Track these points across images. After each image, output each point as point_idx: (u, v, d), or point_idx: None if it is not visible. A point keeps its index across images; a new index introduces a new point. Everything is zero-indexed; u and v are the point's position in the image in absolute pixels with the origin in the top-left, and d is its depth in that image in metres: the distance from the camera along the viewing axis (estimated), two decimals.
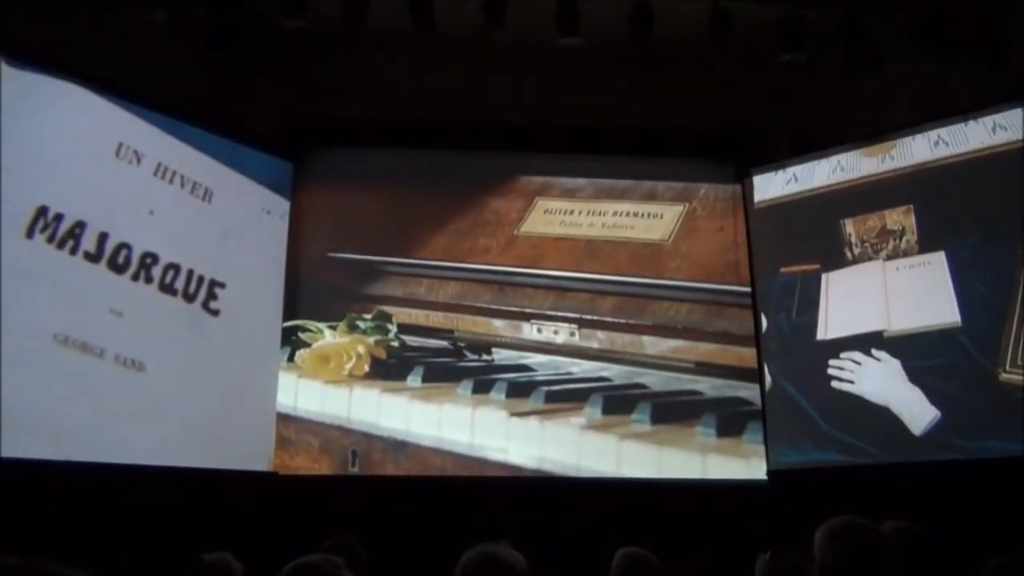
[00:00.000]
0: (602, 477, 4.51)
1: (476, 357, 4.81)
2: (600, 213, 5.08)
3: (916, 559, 2.30)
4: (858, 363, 4.35)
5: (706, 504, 4.41)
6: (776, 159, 4.95)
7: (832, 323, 4.48)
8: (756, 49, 4.38)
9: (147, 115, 4.19)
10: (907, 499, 3.43)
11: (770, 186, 4.90)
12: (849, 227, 4.56)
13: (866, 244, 4.47)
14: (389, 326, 4.79)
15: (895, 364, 4.24)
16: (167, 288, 4.17)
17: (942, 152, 4.31)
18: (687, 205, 5.05)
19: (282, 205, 4.80)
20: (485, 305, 4.86)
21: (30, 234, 3.63)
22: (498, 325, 4.85)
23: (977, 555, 2.37)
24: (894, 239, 4.40)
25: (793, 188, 4.81)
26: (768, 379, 4.68)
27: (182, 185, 4.31)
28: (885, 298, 4.35)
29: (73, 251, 3.78)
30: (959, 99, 4.39)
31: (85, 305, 3.82)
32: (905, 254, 4.37)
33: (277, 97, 4.95)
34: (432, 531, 3.93)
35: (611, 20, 4.31)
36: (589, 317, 4.83)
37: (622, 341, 4.80)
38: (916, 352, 4.20)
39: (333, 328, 4.77)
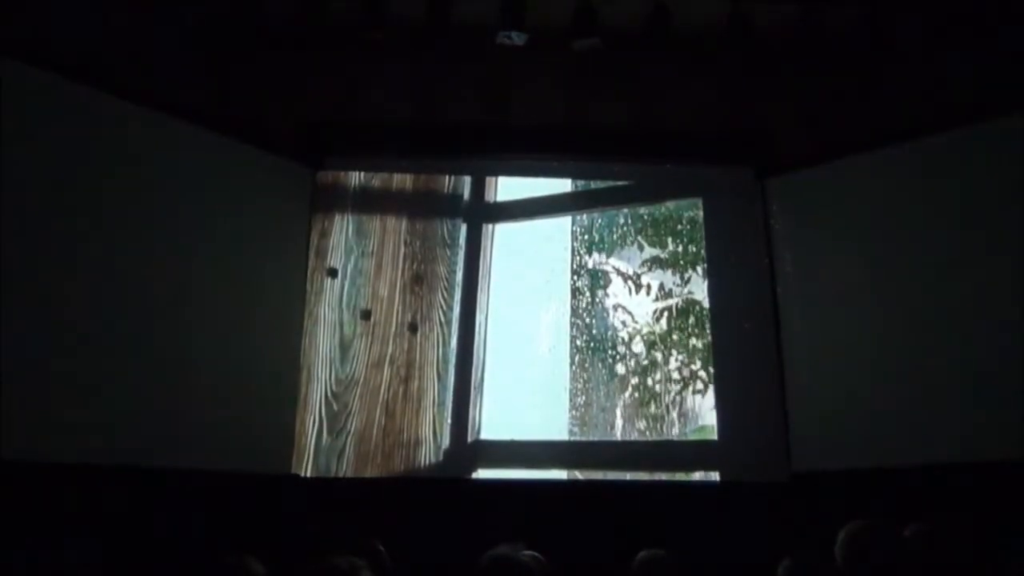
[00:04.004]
0: (621, 479, 4.51)
1: None
2: None
3: (938, 563, 2.28)
4: None
5: (727, 506, 4.39)
6: (796, 162, 4.90)
7: None
8: (775, 49, 4.36)
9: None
10: (929, 502, 3.40)
11: None
12: None
13: None
14: None
15: None
16: None
17: None
18: None
19: (302, 208, 4.85)
20: None
21: None
22: None
23: (1003, 558, 2.35)
24: None
25: None
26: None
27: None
28: None
29: None
30: (985, 98, 4.34)
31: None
32: None
33: (296, 102, 4.97)
34: (454, 533, 3.94)
35: (628, 21, 4.31)
36: None
37: None
38: None
39: None
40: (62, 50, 3.86)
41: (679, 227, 5.75)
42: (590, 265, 5.67)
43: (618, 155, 5.11)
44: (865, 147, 4.61)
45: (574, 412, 5.12)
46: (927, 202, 4.31)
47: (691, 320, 5.53)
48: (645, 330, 5.57)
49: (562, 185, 5.43)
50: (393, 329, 4.88)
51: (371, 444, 4.68)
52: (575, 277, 5.51)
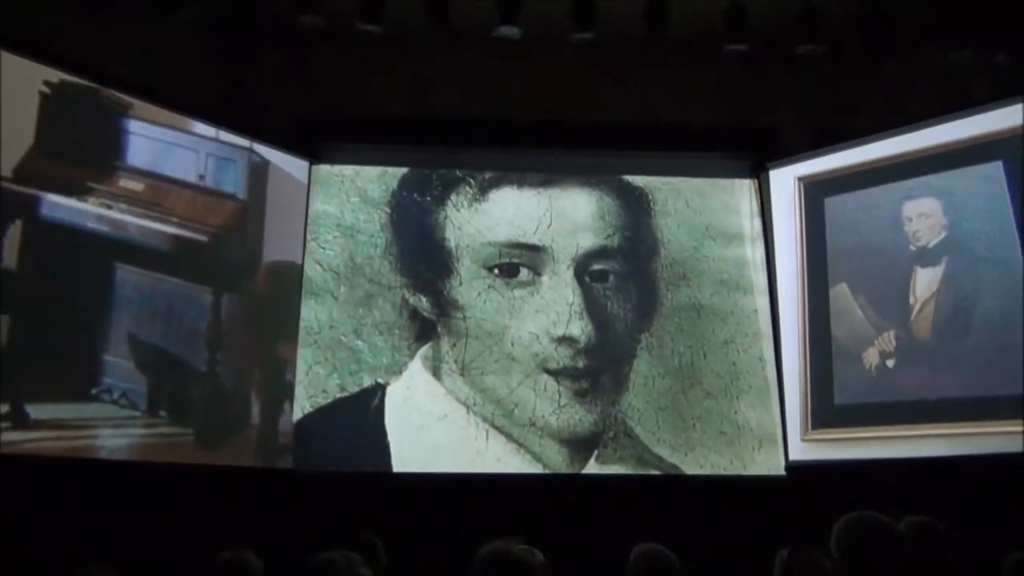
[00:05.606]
0: (618, 473, 4.51)
1: None
2: None
3: (934, 555, 2.29)
4: None
5: (724, 499, 4.40)
6: (793, 153, 4.90)
7: None
8: (773, 42, 4.35)
9: None
10: (926, 494, 3.41)
11: None
12: None
13: None
14: None
15: None
16: None
17: None
18: None
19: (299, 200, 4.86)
20: None
21: None
22: None
23: (997, 551, 2.35)
24: None
25: None
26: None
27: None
28: None
29: None
30: (981, 89, 4.33)
31: None
32: None
33: (293, 95, 4.95)
34: (451, 528, 3.94)
35: (626, 15, 4.30)
36: None
37: None
38: None
39: None
40: (62, 45, 3.85)
41: None
42: None
43: (616, 149, 5.09)
44: (862, 138, 4.60)
45: None
46: None
47: None
48: None
49: None
50: None
51: None
52: None
